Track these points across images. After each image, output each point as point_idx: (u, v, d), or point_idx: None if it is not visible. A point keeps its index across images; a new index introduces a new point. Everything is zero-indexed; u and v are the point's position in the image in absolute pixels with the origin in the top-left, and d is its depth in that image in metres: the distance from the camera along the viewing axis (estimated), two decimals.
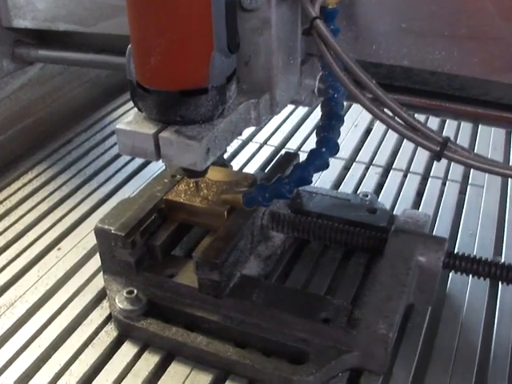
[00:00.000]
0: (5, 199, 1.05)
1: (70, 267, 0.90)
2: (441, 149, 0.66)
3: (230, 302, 0.77)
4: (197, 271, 0.75)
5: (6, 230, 0.98)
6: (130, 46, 0.63)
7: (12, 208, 1.03)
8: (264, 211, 0.84)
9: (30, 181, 1.10)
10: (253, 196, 0.76)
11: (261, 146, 1.22)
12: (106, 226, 0.81)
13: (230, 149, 1.20)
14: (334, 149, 0.74)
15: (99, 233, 0.82)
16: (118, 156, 1.17)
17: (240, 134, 0.70)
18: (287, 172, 0.84)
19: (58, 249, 0.94)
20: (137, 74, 0.63)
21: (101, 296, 0.85)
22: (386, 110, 0.67)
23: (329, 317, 0.74)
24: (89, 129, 1.27)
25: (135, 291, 0.79)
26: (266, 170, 0.92)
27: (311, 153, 0.74)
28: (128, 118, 0.66)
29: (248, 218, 0.81)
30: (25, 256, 0.93)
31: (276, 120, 1.30)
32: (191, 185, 0.85)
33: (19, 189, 1.08)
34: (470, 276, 0.80)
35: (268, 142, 1.23)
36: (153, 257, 0.82)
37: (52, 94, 1.24)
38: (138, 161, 1.15)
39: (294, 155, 0.94)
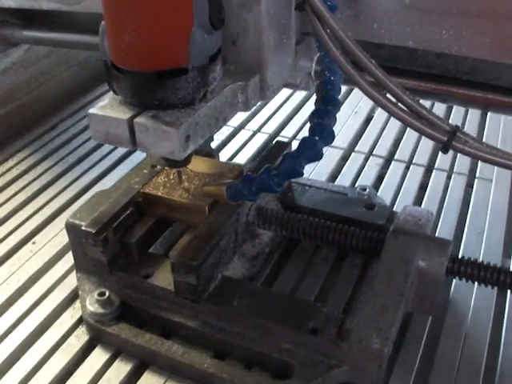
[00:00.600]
0: None
1: (44, 263, 0.82)
2: (448, 139, 0.57)
3: (208, 307, 0.68)
4: (173, 273, 0.66)
5: None
6: (103, 22, 0.55)
7: None
8: (250, 206, 0.75)
9: (10, 169, 1.01)
10: (238, 189, 0.66)
11: (254, 134, 1.12)
12: (77, 221, 0.72)
13: (221, 136, 1.10)
14: (329, 137, 0.64)
15: (70, 228, 0.73)
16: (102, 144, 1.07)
17: (226, 121, 0.62)
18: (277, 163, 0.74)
19: (33, 243, 0.86)
20: (110, 52, 0.55)
21: (74, 295, 0.77)
22: (387, 94, 0.59)
23: (317, 327, 0.65)
24: (75, 114, 1.17)
25: (107, 293, 0.70)
26: (256, 161, 0.83)
27: (303, 141, 0.64)
28: (102, 102, 0.58)
29: (231, 214, 0.71)
30: None
31: (271, 106, 1.20)
32: (172, 176, 0.76)
33: None
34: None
35: (261, 130, 1.13)
36: (128, 255, 0.73)
37: (38, 78, 1.15)
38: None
39: (285, 144, 0.84)
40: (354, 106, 1.18)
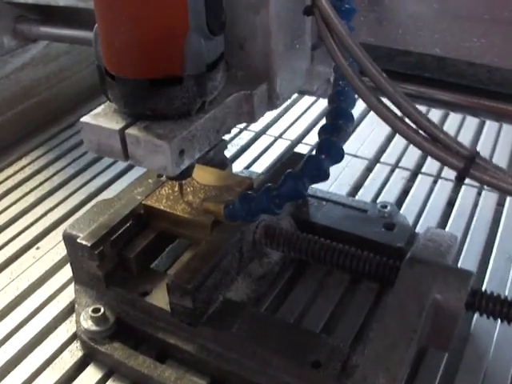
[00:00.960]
0: None
1: (46, 270, 0.78)
2: (465, 166, 0.50)
3: (206, 331, 0.63)
4: (168, 295, 0.62)
5: None
6: (96, 24, 0.51)
7: None
8: (257, 224, 0.70)
9: (22, 168, 0.98)
10: (236, 208, 0.61)
11: (275, 140, 1.06)
12: (74, 233, 0.68)
13: (240, 141, 1.05)
14: (337, 156, 0.58)
15: (68, 239, 0.69)
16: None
17: (228, 132, 0.57)
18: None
19: (37, 248, 0.82)
20: (103, 58, 0.51)
21: (72, 307, 0.72)
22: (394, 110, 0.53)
23: (320, 360, 0.59)
24: None
25: (102, 309, 0.66)
26: (267, 174, 0.77)
27: (308, 160, 0.58)
28: (96, 110, 0.55)
29: (235, 233, 0.66)
30: (0, 255, 0.81)
31: (295, 111, 1.14)
32: (176, 188, 0.71)
33: (9, 177, 0.96)
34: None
35: (283, 136, 1.07)
36: (127, 270, 0.69)
37: (57, 75, 1.11)
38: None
39: (301, 156, 0.78)
40: None
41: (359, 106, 1.08)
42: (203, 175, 0.71)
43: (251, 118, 0.57)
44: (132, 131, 0.50)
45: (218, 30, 0.51)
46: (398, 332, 0.58)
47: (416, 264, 0.63)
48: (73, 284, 0.74)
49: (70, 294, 0.74)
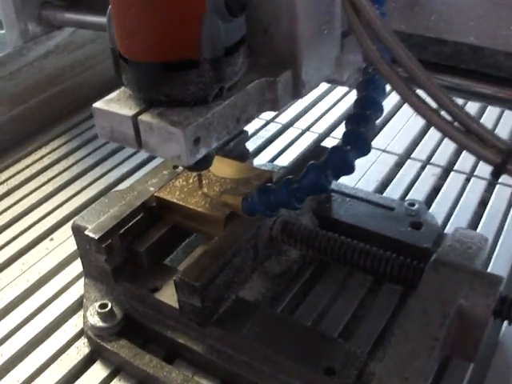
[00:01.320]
0: (10, 177, 0.92)
1: (58, 263, 0.76)
2: (503, 161, 0.46)
3: (216, 331, 0.60)
4: (176, 292, 0.58)
5: (1, 213, 0.85)
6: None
7: (14, 188, 0.90)
8: (275, 219, 0.66)
9: (42, 158, 0.96)
10: (254, 201, 0.57)
11: (302, 133, 1.01)
12: (83, 224, 0.65)
13: (266, 134, 1.00)
14: (363, 148, 0.54)
15: (76, 231, 0.66)
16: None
17: (249, 121, 0.53)
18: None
19: (51, 239, 0.80)
20: (117, 40, 0.49)
21: (82, 301, 0.69)
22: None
23: (335, 367, 0.55)
24: None
25: (109, 305, 0.63)
26: (288, 167, 0.73)
27: (332, 151, 0.54)
28: (110, 95, 0.52)
29: (250, 229, 0.62)
30: (14, 245, 0.79)
31: (324, 103, 1.09)
32: (191, 180, 0.68)
33: (28, 166, 0.94)
34: None
35: (311, 129, 1.02)
36: (137, 264, 0.66)
37: (82, 63, 1.09)
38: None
39: (325, 150, 0.73)
40: None
41: (390, 99, 1.05)
42: (220, 167, 0.68)
43: (274, 107, 0.53)
44: (145, 118, 0.47)
45: (237, 12, 0.47)
46: (418, 339, 0.54)
47: (441, 267, 0.58)
48: (83, 278, 0.71)
49: (80, 287, 0.71)
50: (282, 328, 0.60)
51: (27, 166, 0.94)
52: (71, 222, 0.81)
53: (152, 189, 0.68)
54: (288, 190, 0.54)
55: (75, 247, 0.76)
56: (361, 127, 0.55)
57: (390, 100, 1.05)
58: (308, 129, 1.01)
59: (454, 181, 0.88)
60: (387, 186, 0.87)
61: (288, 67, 0.52)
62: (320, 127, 1.02)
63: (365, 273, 0.66)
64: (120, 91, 0.53)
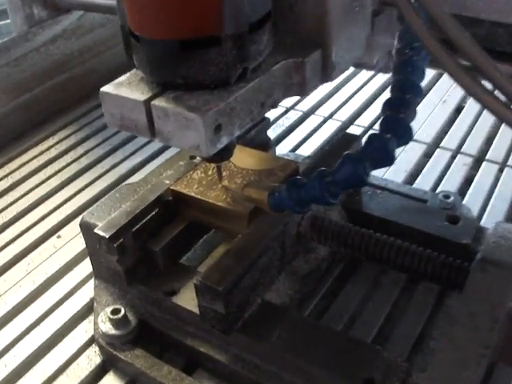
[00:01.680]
0: (15, 170, 0.85)
1: (66, 262, 0.69)
2: None
3: (241, 339, 0.53)
4: (197, 297, 0.51)
5: (5, 208, 0.78)
6: None
7: (19, 181, 0.82)
8: (303, 215, 0.58)
9: (49, 148, 0.88)
10: (282, 197, 0.49)
11: (324, 121, 0.93)
12: (92, 221, 0.58)
13: (287, 122, 0.92)
14: (405, 136, 0.47)
15: (85, 229, 0.59)
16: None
17: (275, 106, 0.48)
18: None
19: (58, 236, 0.72)
20: (128, 16, 0.43)
21: (92, 304, 0.62)
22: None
23: (375, 378, 0.48)
24: None
25: (122, 311, 0.56)
26: (315, 157, 0.66)
27: (370, 140, 0.47)
28: (120, 78, 0.47)
29: (276, 225, 0.55)
30: (18, 243, 0.72)
31: (347, 89, 1.01)
32: (210, 172, 0.60)
33: (34, 157, 0.87)
34: None
35: (334, 116, 0.94)
36: (152, 265, 0.58)
37: (91, 49, 1.01)
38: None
39: (354, 138, 0.66)
40: (443, 94, 0.97)
41: None
42: (241, 157, 0.60)
43: (301, 91, 0.48)
44: (159, 103, 0.42)
45: None
46: (466, 347, 0.47)
47: (489, 266, 0.51)
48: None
49: (90, 289, 0.64)
50: (314, 335, 0.52)
51: (33, 158, 0.86)
52: (80, 217, 0.74)
53: (167, 181, 0.60)
54: (321, 183, 0.47)
55: (84, 245, 0.69)
56: (400, 113, 0.48)
57: None
58: (331, 116, 0.93)
59: (486, 171, 0.80)
60: (416, 177, 0.79)
61: (316, 47, 0.47)
62: (343, 115, 0.94)
63: (402, 271, 0.58)
64: (131, 74, 0.47)
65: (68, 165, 0.84)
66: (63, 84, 0.97)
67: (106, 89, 0.46)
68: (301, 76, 0.47)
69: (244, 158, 0.61)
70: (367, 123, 0.90)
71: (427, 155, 0.84)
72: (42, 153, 0.87)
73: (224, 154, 0.53)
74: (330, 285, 0.63)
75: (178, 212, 0.60)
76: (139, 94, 0.43)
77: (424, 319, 0.59)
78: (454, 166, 0.81)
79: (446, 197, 0.69)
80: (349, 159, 0.47)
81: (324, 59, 0.48)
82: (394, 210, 0.66)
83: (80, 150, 0.87)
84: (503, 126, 0.88)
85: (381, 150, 0.47)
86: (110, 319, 0.56)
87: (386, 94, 1.01)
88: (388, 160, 0.46)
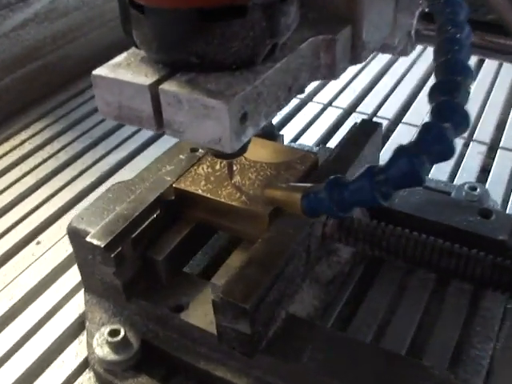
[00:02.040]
0: None
1: (47, 273, 0.58)
2: None
3: (266, 360, 0.43)
4: (215, 315, 0.42)
5: None
6: None
7: None
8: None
9: (22, 143, 0.77)
10: (321, 199, 0.40)
11: (324, 108, 0.84)
12: (83, 227, 0.48)
13: (284, 110, 0.82)
14: (463, 123, 0.38)
15: (74, 236, 0.49)
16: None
17: (302, 91, 0.42)
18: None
19: (37, 243, 0.62)
20: None
21: (83, 322, 0.52)
22: None
23: None
24: None
25: (122, 332, 0.46)
26: (336, 148, 0.57)
27: (426, 129, 0.38)
28: (116, 59, 0.40)
29: (302, 227, 0.46)
30: None
31: (346, 73, 0.91)
32: (218, 166, 0.51)
33: (6, 153, 0.76)
34: None
35: (333, 103, 0.85)
36: (154, 276, 0.48)
37: (65, 34, 0.90)
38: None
39: (376, 125, 0.58)
40: None
41: (417, 70, 0.90)
42: (253, 149, 0.50)
43: (331, 73, 0.42)
44: (169, 87, 0.35)
45: None
46: None
47: None
48: (83, 291, 0.54)
49: (79, 303, 0.54)
50: (350, 352, 0.44)
51: (4, 154, 0.75)
52: (62, 220, 0.65)
53: (168, 178, 0.51)
54: (372, 182, 0.38)
55: (69, 252, 0.59)
56: (454, 97, 0.39)
57: (416, 72, 0.91)
58: (330, 103, 0.84)
59: (503, 159, 0.73)
60: (430, 168, 0.71)
61: (346, 23, 0.41)
62: (343, 101, 0.85)
63: (447, 276, 0.50)
64: (128, 54, 0.40)
65: (44, 161, 0.74)
66: (35, 72, 0.86)
67: (99, 71, 0.38)
68: (330, 56, 0.41)
69: (256, 150, 0.51)
70: (370, 110, 0.82)
71: None
72: (14, 148, 0.76)
73: (239, 151, 0.45)
74: (352, 290, 0.55)
75: (182, 214, 0.50)
76: (142, 77, 0.36)
77: (460, 325, 0.51)
78: (469, 154, 0.73)
79: (473, 189, 0.61)
80: (404, 152, 0.38)
81: (354, 37, 0.42)
82: (420, 204, 0.57)
83: (57, 145, 0.76)
84: None
85: (439, 140, 0.38)
86: (108, 342, 0.46)
87: (386, 79, 0.92)
88: (448, 152, 0.38)
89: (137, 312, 0.49)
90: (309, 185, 0.42)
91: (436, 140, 0.37)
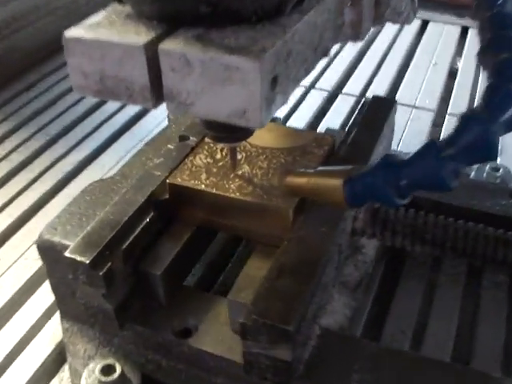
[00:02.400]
0: None
1: (11, 296, 0.47)
2: None
3: None
4: (244, 341, 0.32)
5: None
6: None
7: None
8: None
9: None
10: (371, 183, 0.31)
11: (307, 92, 0.74)
12: (57, 239, 0.37)
13: None
14: None
15: (46, 250, 0.38)
16: (100, 104, 0.71)
17: (326, 54, 0.34)
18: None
19: None
20: None
21: (62, 355, 0.41)
22: None
23: None
24: (59, 70, 0.78)
25: (118, 368, 0.35)
26: (352, 128, 0.48)
27: (492, 91, 0.30)
28: (94, 17, 0.31)
29: (336, 223, 0.36)
30: None
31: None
32: (219, 155, 0.41)
33: None
34: None
35: (316, 85, 0.76)
36: (150, 294, 0.38)
37: (10, 24, 0.78)
38: (132, 108, 0.69)
39: (390, 102, 0.49)
40: (431, 56, 0.81)
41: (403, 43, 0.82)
42: (258, 133, 0.41)
43: (356, 33, 0.36)
44: (173, 45, 0.27)
45: None
46: None
47: None
48: (58, 315, 0.43)
49: (55, 331, 0.43)
50: (404, 369, 0.35)
51: None
52: (22, 231, 0.53)
53: (159, 173, 0.40)
54: (438, 159, 0.29)
55: (34, 269, 0.49)
56: None
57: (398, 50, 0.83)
58: (313, 85, 0.75)
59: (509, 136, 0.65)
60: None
61: None
62: (326, 83, 0.75)
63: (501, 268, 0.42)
64: (108, 11, 0.31)
65: None
66: None
67: (74, 33, 0.29)
68: (356, 12, 0.34)
69: (261, 134, 0.41)
70: (357, 91, 0.73)
71: (437, 124, 0.67)
72: None
73: (243, 132, 0.35)
74: (377, 291, 0.46)
75: (180, 215, 0.40)
76: (132, 35, 0.27)
77: (503, 321, 0.44)
78: None
79: (495, 169, 0.53)
80: (475, 120, 0.29)
81: None
82: None
83: (9, 145, 0.64)
84: None
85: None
86: (102, 382, 0.35)
87: (368, 58, 0.82)
88: None
89: (131, 340, 0.38)
90: (346, 167, 0.32)
91: (507, 102, 0.29)
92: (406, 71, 0.77)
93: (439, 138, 0.61)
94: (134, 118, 0.68)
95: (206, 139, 0.42)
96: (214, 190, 0.38)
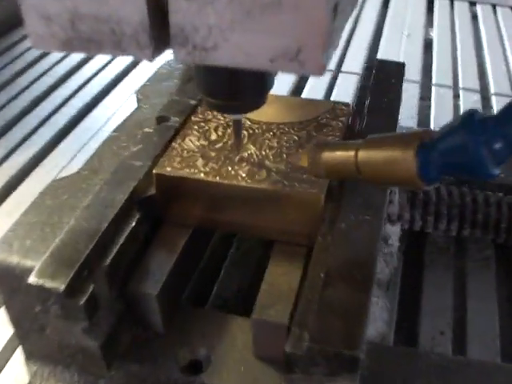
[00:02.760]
0: None
1: None
2: None
3: None
4: (289, 375, 0.23)
5: None
6: None
7: None
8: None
9: None
10: (458, 147, 0.22)
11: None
12: (16, 260, 0.27)
13: None
14: None
15: (2, 277, 0.28)
16: (51, 89, 0.61)
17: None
18: None
19: None
20: None
21: None
22: None
23: None
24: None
25: None
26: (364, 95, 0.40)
27: None
28: None
29: (379, 210, 0.28)
30: None
31: None
32: (215, 135, 0.32)
33: None
34: None
35: None
36: (143, 321, 0.29)
37: None
38: (88, 91, 0.60)
39: (398, 66, 0.41)
40: (401, 26, 0.74)
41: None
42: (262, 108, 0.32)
43: None
44: None
45: None
46: None
47: None
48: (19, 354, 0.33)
49: (16, 376, 0.33)
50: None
51: None
52: None
53: (139, 163, 0.31)
54: None
55: None
56: None
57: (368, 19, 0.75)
58: None
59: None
60: (429, 123, 0.56)
61: None
62: None
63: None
64: None
65: None
66: None
67: None
68: None
69: (265, 108, 0.33)
70: (333, 65, 0.64)
71: (424, 97, 0.60)
72: None
73: (250, 100, 0.27)
74: (402, 287, 0.38)
75: (171, 215, 0.31)
76: None
77: None
78: (465, 105, 0.59)
79: None
80: None
81: None
82: None
83: None
84: (489, 56, 0.68)
85: None
86: None
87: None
88: None
89: (123, 382, 0.29)
90: (413, 131, 0.24)
91: None
92: (379, 45, 0.69)
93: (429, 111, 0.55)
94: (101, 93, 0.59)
95: (193, 118, 0.33)
96: (218, 179, 0.29)
